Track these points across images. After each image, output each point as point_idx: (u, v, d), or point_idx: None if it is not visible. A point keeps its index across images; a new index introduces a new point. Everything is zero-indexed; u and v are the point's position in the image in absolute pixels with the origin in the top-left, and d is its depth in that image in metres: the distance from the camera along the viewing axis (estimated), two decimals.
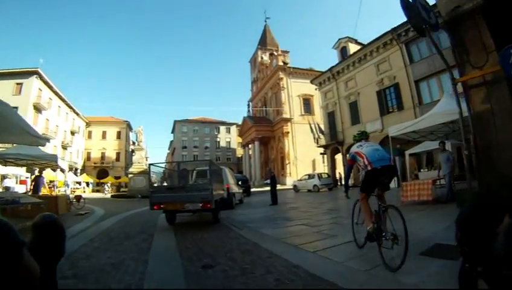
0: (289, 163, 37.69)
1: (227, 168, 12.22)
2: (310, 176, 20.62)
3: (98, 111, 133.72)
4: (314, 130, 25.89)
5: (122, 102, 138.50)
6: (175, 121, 61.74)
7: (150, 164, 7.88)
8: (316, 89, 27.90)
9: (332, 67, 23.92)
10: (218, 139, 63.42)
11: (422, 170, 15.19)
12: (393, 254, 2.68)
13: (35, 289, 0.84)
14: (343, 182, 23.81)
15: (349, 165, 3.53)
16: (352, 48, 23.43)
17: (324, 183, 19.28)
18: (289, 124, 39.13)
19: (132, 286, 2.73)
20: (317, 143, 25.54)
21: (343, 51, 24.35)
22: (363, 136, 3.53)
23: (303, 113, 39.23)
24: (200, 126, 62.55)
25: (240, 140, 55.25)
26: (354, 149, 3.35)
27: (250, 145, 47.06)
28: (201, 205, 6.16)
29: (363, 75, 21.22)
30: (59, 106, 37.12)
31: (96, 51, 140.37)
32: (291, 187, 22.93)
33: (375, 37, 19.75)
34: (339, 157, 24.27)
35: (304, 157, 36.62)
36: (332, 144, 23.45)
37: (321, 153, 25.84)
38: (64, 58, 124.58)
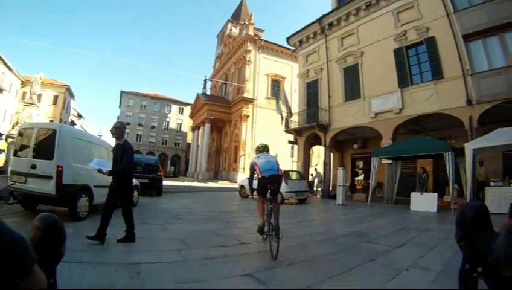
0: (244, 155, 29.18)
1: (75, 129, 7.14)
2: None
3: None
4: (281, 104, 17.68)
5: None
6: (121, 92, 50.93)
7: None
8: (293, 51, 19.79)
9: (323, 16, 15.92)
10: (168, 120, 53.96)
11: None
12: (275, 245, 3.22)
13: None
14: (316, 188, 16.24)
15: (251, 173, 4.10)
16: None
17: (293, 190, 10.68)
18: (250, 106, 30.86)
19: None
20: (286, 127, 17.25)
21: None
22: (265, 149, 4.22)
23: (269, 96, 31.17)
24: (150, 102, 53.07)
25: (192, 123, 45.79)
26: (254, 160, 4.04)
27: (201, 130, 37.52)
28: None
29: (371, 28, 13.66)
30: None
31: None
32: (239, 188, 13.66)
33: None
34: (318, 150, 16.27)
35: None
36: (310, 129, 15.36)
37: (290, 142, 17.43)
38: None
